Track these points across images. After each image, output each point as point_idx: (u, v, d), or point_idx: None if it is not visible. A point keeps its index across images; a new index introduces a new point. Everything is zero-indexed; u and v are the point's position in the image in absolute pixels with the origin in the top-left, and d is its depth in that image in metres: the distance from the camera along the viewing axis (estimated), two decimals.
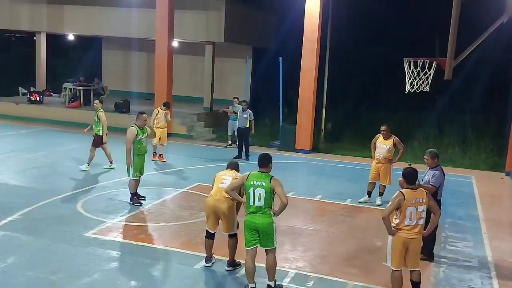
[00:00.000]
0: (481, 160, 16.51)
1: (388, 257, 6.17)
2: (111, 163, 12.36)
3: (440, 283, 7.03)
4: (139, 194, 9.94)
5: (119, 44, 24.33)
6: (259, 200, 6.11)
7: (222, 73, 22.56)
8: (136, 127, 9.62)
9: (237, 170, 7.11)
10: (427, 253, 7.74)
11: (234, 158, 14.43)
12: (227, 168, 7.18)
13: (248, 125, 14.86)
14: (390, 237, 6.13)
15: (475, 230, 9.51)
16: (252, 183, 6.16)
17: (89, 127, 12.66)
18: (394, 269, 6.14)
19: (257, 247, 6.25)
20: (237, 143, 16.13)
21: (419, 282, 6.34)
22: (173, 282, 6.60)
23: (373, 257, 6.87)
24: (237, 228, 6.90)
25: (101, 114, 12.04)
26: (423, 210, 6.02)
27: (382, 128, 10.33)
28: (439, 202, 7.72)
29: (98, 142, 12.12)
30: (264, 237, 6.16)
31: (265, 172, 6.23)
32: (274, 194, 6.14)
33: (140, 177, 9.79)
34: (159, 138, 13.52)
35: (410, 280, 6.32)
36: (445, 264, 7.70)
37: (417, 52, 10.58)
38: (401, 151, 10.36)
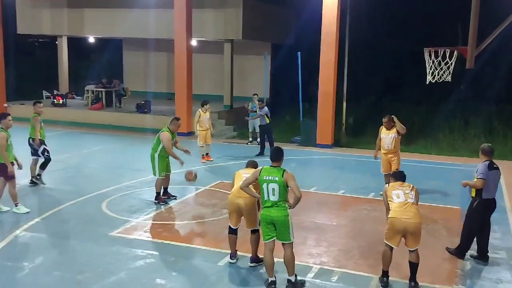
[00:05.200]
0: (508, 150, 16.17)
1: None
2: (16, 205, 8.89)
3: (467, 276, 6.90)
4: (169, 193, 10.06)
5: (139, 45, 24.55)
6: (273, 194, 6.12)
7: (241, 70, 22.58)
8: (169, 131, 9.72)
9: (256, 168, 7.13)
10: (459, 251, 7.51)
11: (256, 155, 14.42)
12: (246, 167, 7.29)
13: (268, 121, 14.87)
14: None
15: (503, 221, 9.32)
16: (265, 178, 6.16)
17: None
18: (386, 243, 6.43)
19: (274, 240, 6.26)
20: (258, 140, 16.14)
21: (417, 264, 6.40)
22: (198, 279, 6.63)
23: (398, 251, 6.77)
24: (259, 224, 6.90)
25: (4, 134, 8.51)
26: (410, 193, 6.51)
27: (384, 119, 10.37)
28: (489, 201, 7.23)
29: (4, 170, 8.51)
30: (281, 230, 6.16)
31: (277, 166, 6.23)
32: (288, 188, 6.15)
33: (168, 175, 9.91)
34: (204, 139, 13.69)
35: (408, 261, 6.43)
36: (472, 256, 7.55)
37: (440, 43, 10.36)
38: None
